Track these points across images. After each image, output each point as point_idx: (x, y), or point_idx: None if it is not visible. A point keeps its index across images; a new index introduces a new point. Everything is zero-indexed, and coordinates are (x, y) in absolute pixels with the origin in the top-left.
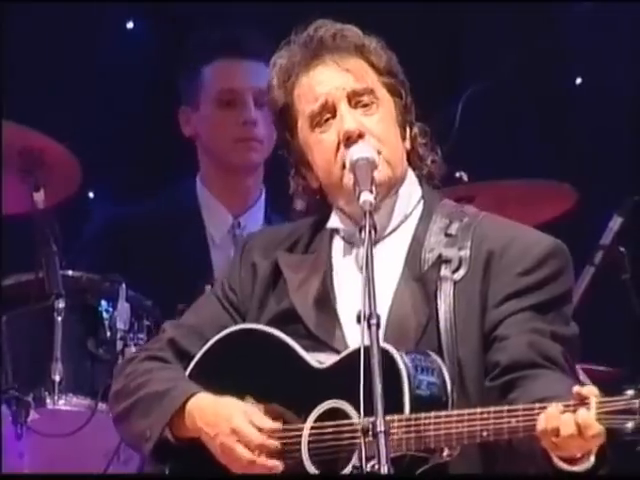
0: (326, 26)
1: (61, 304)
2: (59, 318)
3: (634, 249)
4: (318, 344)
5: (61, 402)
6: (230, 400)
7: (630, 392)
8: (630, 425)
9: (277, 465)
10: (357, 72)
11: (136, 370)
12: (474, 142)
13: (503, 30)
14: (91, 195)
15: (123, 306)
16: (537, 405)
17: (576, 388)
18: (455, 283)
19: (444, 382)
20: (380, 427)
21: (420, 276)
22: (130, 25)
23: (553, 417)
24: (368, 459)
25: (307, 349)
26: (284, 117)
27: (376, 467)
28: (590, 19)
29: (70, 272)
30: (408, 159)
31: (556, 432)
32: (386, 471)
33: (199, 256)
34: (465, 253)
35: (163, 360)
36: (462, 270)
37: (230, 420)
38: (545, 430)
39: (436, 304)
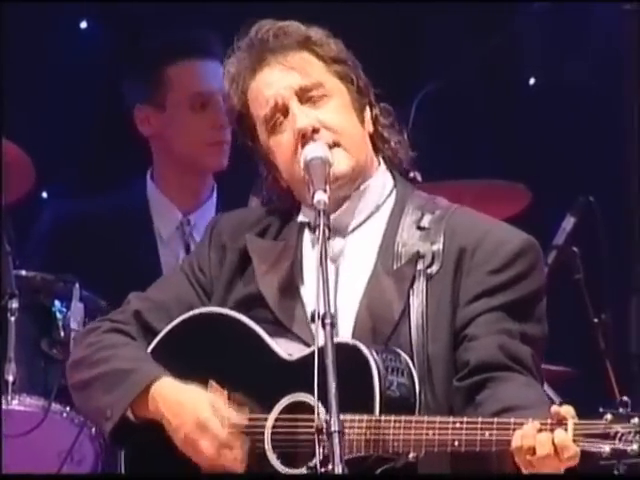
0: (267, 26)
1: (14, 304)
2: (12, 318)
3: (586, 249)
4: (283, 331)
5: (14, 402)
6: (195, 389)
7: (608, 416)
8: (607, 449)
9: (239, 461)
10: (302, 68)
11: (100, 341)
12: (428, 142)
13: (457, 30)
14: (44, 195)
15: (77, 306)
16: (512, 420)
17: (554, 408)
18: (428, 279)
19: (413, 383)
20: (334, 427)
21: (393, 271)
22: (84, 25)
23: (529, 436)
24: (328, 458)
25: (271, 335)
26: (243, 124)
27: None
28: (543, 19)
29: (24, 272)
30: (372, 143)
31: (532, 451)
32: (340, 471)
33: (146, 254)
34: (438, 248)
35: (128, 335)
36: (435, 266)
37: (195, 412)
38: (520, 448)
39: (409, 299)
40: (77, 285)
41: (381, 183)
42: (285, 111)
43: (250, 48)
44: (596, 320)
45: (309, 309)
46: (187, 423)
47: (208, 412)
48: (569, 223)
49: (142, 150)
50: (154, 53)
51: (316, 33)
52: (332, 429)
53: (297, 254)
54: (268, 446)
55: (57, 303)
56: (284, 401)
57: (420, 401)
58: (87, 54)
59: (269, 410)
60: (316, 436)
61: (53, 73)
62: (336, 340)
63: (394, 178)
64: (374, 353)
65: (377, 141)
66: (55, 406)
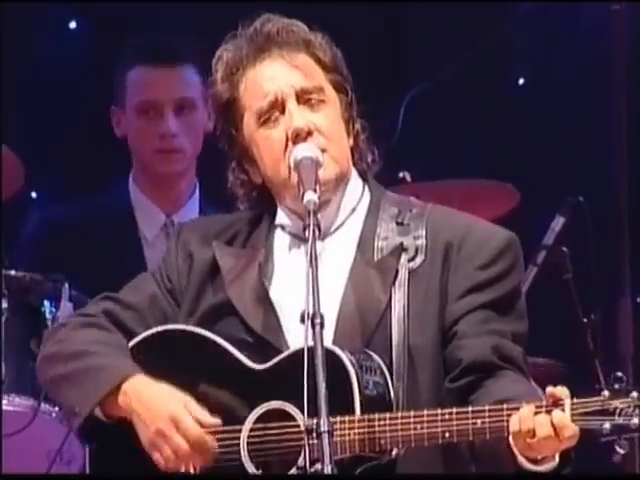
0: (273, 20)
1: (3, 304)
2: (2, 318)
3: (576, 249)
4: (255, 338)
5: (4, 402)
6: (169, 387)
7: (606, 393)
8: (608, 425)
9: (210, 461)
10: (306, 69)
11: (72, 337)
12: (417, 142)
13: (446, 30)
14: (34, 195)
15: (66, 306)
16: (506, 406)
17: (549, 389)
18: (410, 272)
19: (386, 381)
20: (324, 427)
21: (375, 262)
22: (73, 25)
23: (527, 418)
24: (314, 460)
25: (243, 344)
26: (229, 111)
27: (319, 468)
28: (533, 19)
29: (13, 272)
30: (351, 155)
31: (531, 434)
32: (330, 471)
33: (132, 255)
34: (421, 242)
35: (102, 327)
36: (418, 259)
37: (169, 407)
38: (519, 431)
39: (391, 291)
40: (66, 285)
41: (354, 187)
42: (282, 108)
43: (253, 38)
44: (585, 320)
45: (282, 315)
46: (161, 417)
47: (182, 408)
48: (558, 223)
49: (128, 150)
50: (120, 56)
51: (317, 38)
52: (322, 429)
53: (266, 258)
54: (245, 458)
55: (46, 303)
56: (257, 411)
57: (398, 398)
58: (76, 54)
59: (242, 422)
60: (306, 437)
61: (42, 73)
62: (299, 346)
63: (365, 181)
64: (348, 354)
65: (356, 155)
66: (44, 406)
